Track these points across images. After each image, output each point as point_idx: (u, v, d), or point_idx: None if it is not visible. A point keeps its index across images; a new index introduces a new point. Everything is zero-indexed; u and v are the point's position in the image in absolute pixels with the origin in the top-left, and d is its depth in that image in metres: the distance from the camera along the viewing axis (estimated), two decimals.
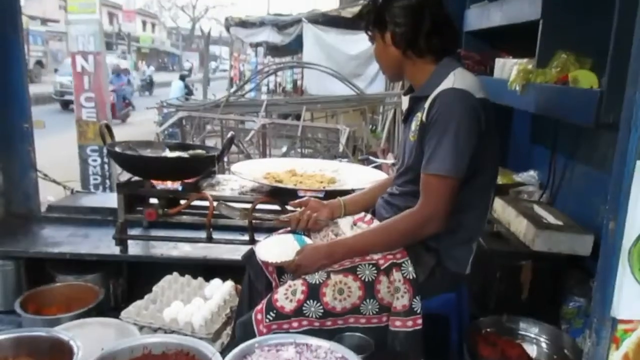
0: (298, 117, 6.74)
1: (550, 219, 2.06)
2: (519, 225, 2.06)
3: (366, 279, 1.56)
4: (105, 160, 4.92)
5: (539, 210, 2.17)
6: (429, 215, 1.55)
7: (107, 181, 4.93)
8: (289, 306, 1.54)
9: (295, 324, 1.54)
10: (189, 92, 12.36)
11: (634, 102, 1.04)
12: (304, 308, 1.54)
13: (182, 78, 13.14)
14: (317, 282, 1.55)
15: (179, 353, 1.52)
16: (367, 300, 1.56)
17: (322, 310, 1.54)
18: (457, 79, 1.54)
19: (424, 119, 1.56)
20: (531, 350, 1.85)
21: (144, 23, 39.79)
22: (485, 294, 2.02)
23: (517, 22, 2.02)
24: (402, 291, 1.56)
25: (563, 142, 2.29)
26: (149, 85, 21.32)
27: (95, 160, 4.93)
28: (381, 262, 1.58)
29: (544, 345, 1.87)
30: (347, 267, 1.58)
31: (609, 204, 1.11)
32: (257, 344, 1.48)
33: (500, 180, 2.47)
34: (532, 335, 1.90)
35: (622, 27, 1.44)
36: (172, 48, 40.36)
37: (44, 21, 25.79)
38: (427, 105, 1.55)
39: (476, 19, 2.51)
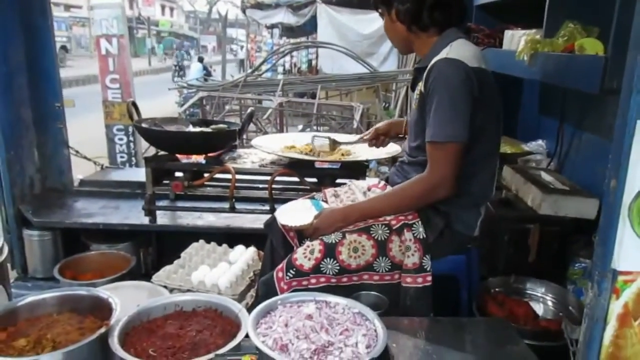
0: (313, 96, 6.82)
1: (557, 184, 2.14)
2: (527, 191, 2.14)
3: (379, 238, 1.67)
4: (131, 138, 5.11)
5: (546, 176, 2.25)
6: (437, 182, 1.63)
7: (133, 158, 5.12)
8: (307, 264, 1.66)
9: (313, 280, 1.66)
10: (207, 73, 12.51)
11: (635, 65, 1.09)
12: (321, 265, 1.65)
13: (201, 60, 13.28)
14: (333, 241, 1.67)
15: (208, 310, 1.62)
16: (380, 258, 1.67)
17: (338, 267, 1.66)
18: (453, 49, 1.62)
19: (422, 89, 1.66)
20: (538, 308, 1.95)
21: (163, 7, 39.85)
22: (494, 256, 2.12)
23: None
24: (413, 250, 1.67)
25: (570, 112, 2.35)
26: None
27: (121, 139, 5.12)
28: (393, 222, 1.69)
29: (550, 303, 1.97)
30: (361, 227, 1.69)
31: (610, 163, 1.16)
32: (280, 300, 1.58)
33: (509, 150, 2.56)
34: (539, 295, 2.00)
35: None
36: (190, 31, 40.47)
37: (67, 7, 26.17)
38: (425, 75, 1.65)
39: None
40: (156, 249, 2.82)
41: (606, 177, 1.19)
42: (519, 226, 2.06)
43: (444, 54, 1.62)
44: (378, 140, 2.23)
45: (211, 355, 1.33)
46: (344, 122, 6.87)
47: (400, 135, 2.21)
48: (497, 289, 2.01)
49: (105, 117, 5.15)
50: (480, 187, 1.75)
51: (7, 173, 2.71)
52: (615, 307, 1.16)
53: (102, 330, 1.40)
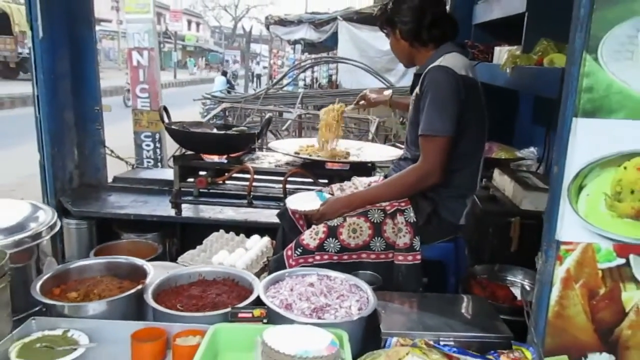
0: None
1: (539, 184, 2.38)
2: (511, 189, 2.38)
3: (375, 221, 1.94)
4: (157, 145, 5.47)
5: (532, 178, 2.49)
6: (427, 170, 1.90)
7: (159, 163, 5.47)
8: (312, 243, 1.93)
9: (317, 257, 1.93)
10: (231, 86, 12.96)
11: (569, 74, 1.37)
12: (324, 244, 1.92)
13: (225, 74, 13.77)
14: (336, 224, 1.94)
15: (226, 279, 1.91)
16: (376, 238, 1.94)
17: (339, 246, 1.93)
18: (445, 59, 1.91)
19: (418, 92, 1.94)
20: (517, 292, 2.17)
21: (189, 22, 41.07)
22: (480, 247, 2.35)
23: (510, 15, 2.35)
24: (404, 231, 1.93)
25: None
26: None
27: (148, 145, 5.49)
28: (388, 208, 1.96)
29: (527, 288, 2.19)
30: (360, 212, 1.96)
31: (554, 153, 1.43)
32: (287, 273, 1.86)
33: (503, 155, 2.80)
34: (519, 280, 2.22)
35: None
36: (215, 46, 41.50)
37: (98, 21, 27.11)
38: (420, 80, 1.94)
39: (482, 13, 2.85)
40: (180, 239, 3.11)
41: (551, 164, 1.43)
42: (502, 220, 2.29)
43: (437, 62, 1.91)
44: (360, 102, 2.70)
45: (228, 309, 1.60)
46: (360, 134, 7.14)
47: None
48: (482, 276, 2.24)
49: (134, 125, 5.52)
50: (464, 181, 2.01)
51: (51, 168, 3.03)
52: (559, 272, 1.41)
53: (139, 286, 1.70)
